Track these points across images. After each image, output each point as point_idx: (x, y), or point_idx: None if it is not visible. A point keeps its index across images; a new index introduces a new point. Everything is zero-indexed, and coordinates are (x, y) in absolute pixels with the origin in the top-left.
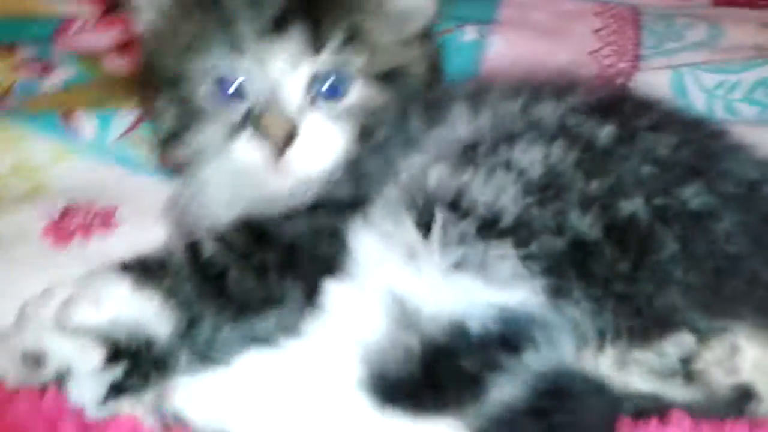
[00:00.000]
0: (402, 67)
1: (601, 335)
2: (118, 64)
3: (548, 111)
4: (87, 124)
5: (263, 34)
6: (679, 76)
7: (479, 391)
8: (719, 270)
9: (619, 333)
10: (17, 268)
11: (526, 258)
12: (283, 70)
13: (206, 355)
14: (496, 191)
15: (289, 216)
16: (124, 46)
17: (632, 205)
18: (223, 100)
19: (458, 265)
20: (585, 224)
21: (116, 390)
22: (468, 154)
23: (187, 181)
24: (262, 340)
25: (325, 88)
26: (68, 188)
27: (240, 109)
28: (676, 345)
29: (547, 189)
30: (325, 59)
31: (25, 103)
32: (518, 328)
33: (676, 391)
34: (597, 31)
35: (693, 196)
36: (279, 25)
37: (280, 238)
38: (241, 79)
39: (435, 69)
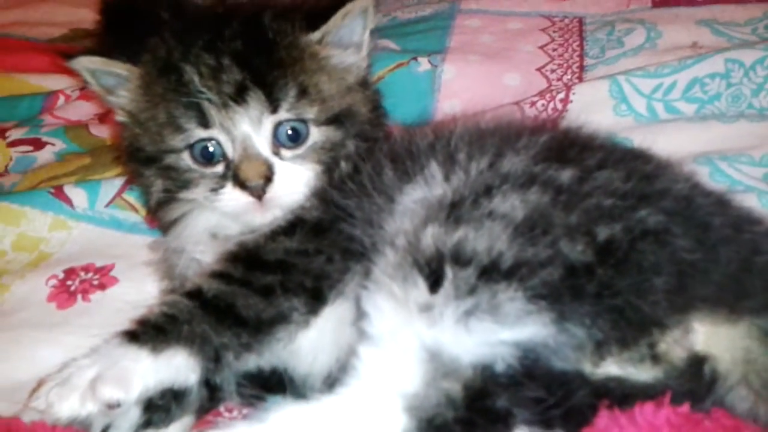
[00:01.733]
0: (347, 111)
1: (598, 344)
2: (103, 131)
3: (513, 163)
4: (77, 195)
5: (227, 105)
6: (616, 85)
7: (511, 423)
8: (679, 273)
9: (608, 341)
10: (27, 332)
11: (532, 295)
12: (250, 129)
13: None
14: (490, 239)
15: (271, 239)
16: (105, 114)
17: (609, 230)
18: (202, 164)
19: (471, 312)
20: (577, 250)
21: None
22: (454, 212)
23: (171, 237)
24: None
25: (286, 137)
26: (67, 255)
27: (219, 168)
28: (648, 339)
29: (533, 228)
30: (281, 115)
31: (24, 178)
32: (537, 358)
33: (644, 374)
34: (543, 46)
35: (647, 217)
36: (239, 96)
37: (271, 259)
38: (214, 143)
39: (376, 108)
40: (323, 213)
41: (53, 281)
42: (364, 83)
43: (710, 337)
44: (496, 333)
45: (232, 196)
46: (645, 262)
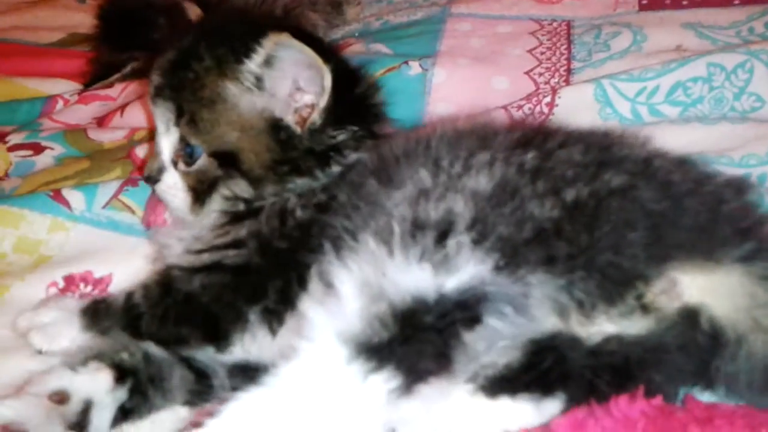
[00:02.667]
0: (237, 153)
1: (580, 303)
2: (101, 134)
3: (484, 155)
4: (75, 198)
5: (152, 101)
6: (601, 89)
7: (454, 347)
8: (651, 225)
9: (592, 299)
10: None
11: (478, 243)
12: (160, 130)
13: None
14: (449, 207)
15: (194, 271)
16: (103, 118)
17: (574, 191)
18: None
19: (419, 260)
20: (546, 210)
21: (123, 413)
22: (422, 194)
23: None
24: None
25: (184, 151)
26: (66, 258)
27: None
28: (633, 292)
29: (500, 195)
30: (180, 129)
31: (24, 182)
32: (472, 297)
33: (636, 325)
34: (531, 50)
35: (611, 178)
36: (155, 97)
37: (180, 291)
38: None
39: (275, 159)
40: (248, 258)
41: (53, 289)
42: (276, 130)
43: (697, 286)
44: (436, 276)
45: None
46: (615, 217)
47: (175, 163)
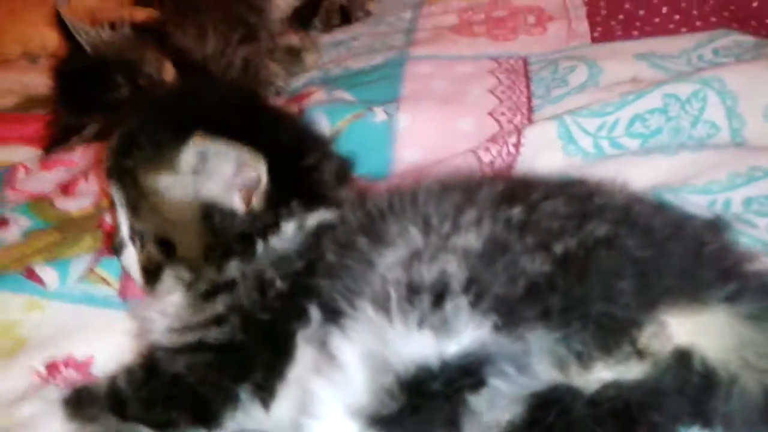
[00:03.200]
0: (172, 241)
1: (578, 355)
2: (67, 203)
3: (471, 213)
4: (48, 275)
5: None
6: (564, 126)
7: (462, 412)
8: (638, 273)
9: (590, 349)
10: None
11: (475, 305)
12: (117, 206)
13: None
14: (442, 268)
15: (177, 351)
16: (68, 185)
17: (563, 244)
18: None
19: (419, 326)
20: (537, 265)
21: None
22: (415, 255)
23: None
24: None
25: (135, 232)
26: (44, 337)
27: None
28: (628, 339)
29: (490, 253)
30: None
31: None
32: (475, 360)
33: (633, 371)
34: (492, 89)
35: (595, 228)
36: (108, 176)
37: (166, 373)
38: None
39: (208, 245)
40: (231, 335)
41: (36, 378)
42: (209, 217)
43: (686, 329)
44: (437, 342)
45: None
46: (604, 267)
47: (132, 241)
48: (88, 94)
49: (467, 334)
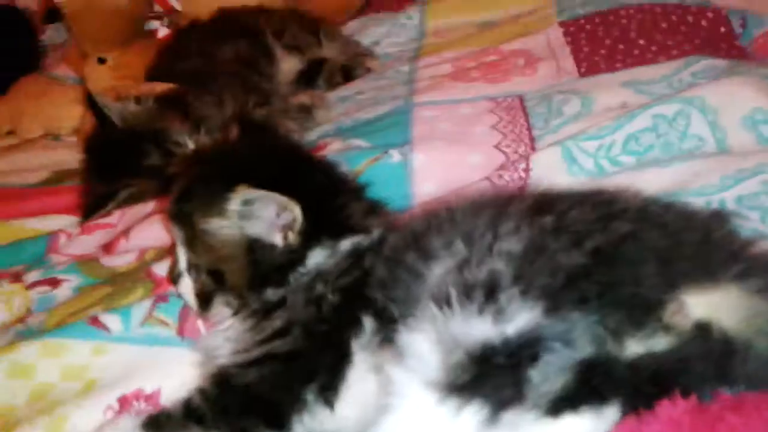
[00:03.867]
0: (220, 271)
1: (613, 332)
2: (113, 260)
3: (509, 225)
4: (111, 321)
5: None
6: (566, 150)
7: (522, 381)
8: (659, 260)
9: (623, 327)
10: None
11: (525, 294)
12: (177, 243)
13: None
14: (491, 269)
15: (248, 365)
16: (109, 245)
17: (593, 242)
18: None
19: (478, 314)
20: (573, 259)
21: None
22: (464, 262)
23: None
24: None
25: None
26: (113, 379)
27: None
28: (655, 316)
29: (531, 254)
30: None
31: (49, 316)
32: (530, 339)
33: (661, 343)
34: (494, 126)
35: (619, 227)
36: (170, 218)
37: (238, 386)
38: None
39: (251, 275)
40: (294, 345)
41: (110, 412)
42: (251, 251)
43: (703, 305)
44: (494, 327)
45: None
46: (630, 257)
47: (188, 272)
48: (121, 163)
49: (521, 317)
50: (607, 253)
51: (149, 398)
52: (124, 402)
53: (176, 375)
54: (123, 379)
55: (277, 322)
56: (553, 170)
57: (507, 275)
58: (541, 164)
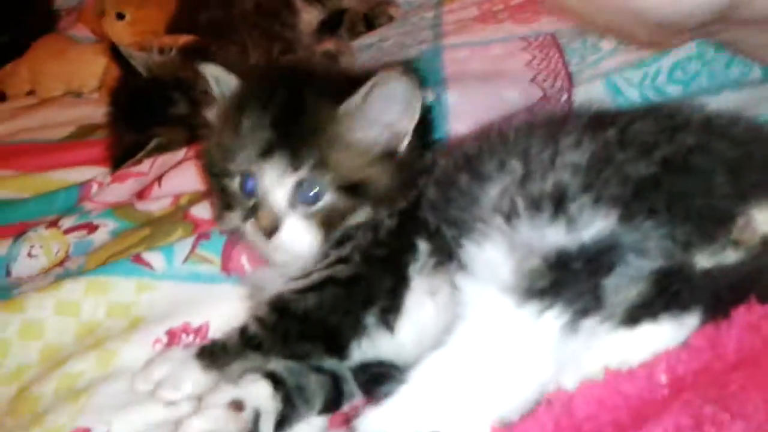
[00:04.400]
0: (363, 182)
1: (684, 245)
2: (148, 205)
3: (567, 138)
4: (154, 258)
5: (258, 157)
6: (610, 82)
7: (600, 289)
8: (729, 170)
9: (693, 239)
10: (150, 396)
11: (597, 203)
12: (271, 182)
13: None
14: (557, 180)
15: (306, 290)
16: (143, 191)
17: (660, 152)
18: (244, 193)
19: (545, 224)
20: (641, 169)
21: (280, 425)
22: (525, 177)
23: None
24: None
25: (302, 195)
26: (160, 314)
27: (251, 201)
28: (725, 230)
29: (597, 164)
30: (300, 176)
31: (89, 258)
32: (605, 247)
33: (731, 257)
34: (528, 63)
35: (685, 138)
36: (267, 152)
37: (297, 310)
38: (252, 181)
39: (402, 178)
40: (355, 270)
41: (159, 345)
42: (390, 155)
43: None
44: (568, 235)
45: (250, 229)
46: (701, 167)
47: (293, 208)
48: (148, 112)
49: (595, 225)
50: (675, 164)
51: (198, 331)
52: (172, 335)
53: (223, 309)
54: (169, 315)
55: (347, 248)
56: (596, 102)
57: (575, 185)
58: (584, 98)
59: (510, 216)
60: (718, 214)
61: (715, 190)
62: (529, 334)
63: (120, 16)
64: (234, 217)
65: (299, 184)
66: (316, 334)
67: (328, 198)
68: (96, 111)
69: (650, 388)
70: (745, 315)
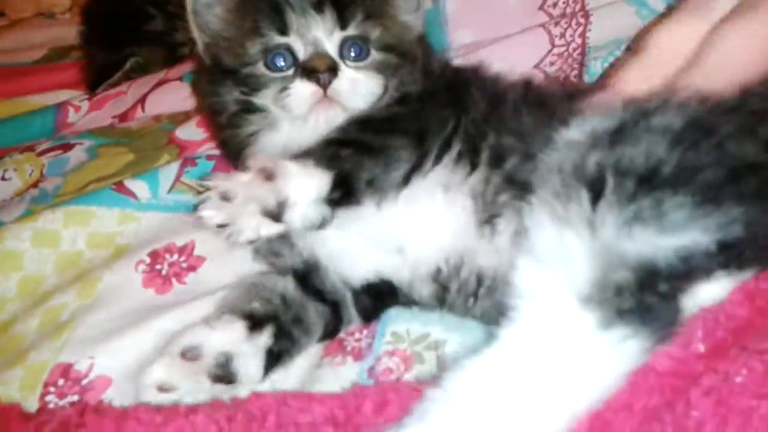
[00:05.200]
0: (405, 47)
1: None
2: (127, 125)
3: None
4: (138, 187)
5: (307, 13)
6: None
7: (677, 309)
8: None
9: None
10: (133, 320)
11: (699, 202)
12: (322, 36)
13: None
14: (648, 149)
15: (378, 108)
16: (125, 114)
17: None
18: (275, 70)
19: (633, 220)
20: (747, 150)
21: (275, 357)
22: (616, 135)
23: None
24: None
25: (350, 51)
26: (144, 241)
27: (289, 72)
28: None
29: (693, 134)
30: (349, 32)
31: (67, 180)
32: (695, 264)
33: None
34: None
35: None
36: (318, 8)
37: (379, 117)
38: (286, 53)
39: (424, 46)
40: (424, 88)
41: (142, 266)
42: (420, 39)
43: None
44: (659, 239)
45: (300, 88)
46: None
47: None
48: (123, 30)
49: (689, 234)
50: None
51: (182, 250)
52: (155, 256)
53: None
54: (153, 241)
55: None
56: (617, 15)
57: (668, 163)
58: (603, 10)
59: (598, 193)
60: None
61: None
62: (607, 363)
63: None
64: (268, 96)
65: (344, 41)
66: (403, 128)
67: (376, 54)
68: (69, 32)
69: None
70: None
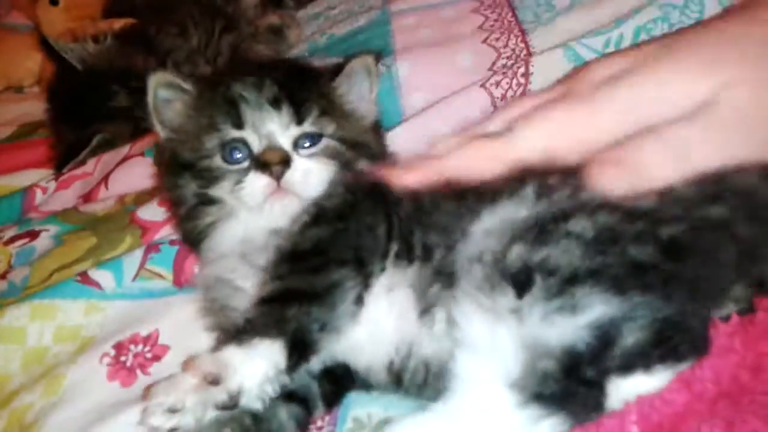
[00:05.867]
0: (358, 140)
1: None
2: (92, 207)
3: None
4: (102, 277)
5: (262, 108)
6: (571, 50)
7: (599, 395)
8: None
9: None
10: (99, 415)
11: (606, 290)
12: (277, 129)
13: None
14: (568, 253)
15: (301, 234)
16: (89, 194)
17: (670, 230)
18: (230, 163)
19: (554, 311)
20: (644, 253)
21: None
22: (538, 233)
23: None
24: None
25: (306, 141)
26: (109, 333)
27: (244, 164)
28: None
29: (602, 242)
30: (304, 128)
31: (33, 270)
32: (608, 331)
33: (727, 311)
34: (480, 26)
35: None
36: (275, 104)
37: (307, 248)
38: (241, 146)
39: (377, 133)
40: (344, 199)
41: (107, 359)
42: (374, 126)
43: None
44: (575, 322)
45: (254, 180)
46: (705, 250)
47: (296, 151)
48: (88, 108)
49: (596, 309)
50: (685, 242)
51: (146, 340)
52: (120, 348)
53: (174, 315)
54: (118, 332)
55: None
56: (556, 73)
57: (582, 269)
58: (543, 68)
59: (523, 286)
60: (720, 291)
61: (719, 272)
62: None
63: (54, 2)
64: (224, 189)
65: (299, 137)
66: (338, 257)
67: (328, 142)
68: (38, 106)
69: None
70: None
